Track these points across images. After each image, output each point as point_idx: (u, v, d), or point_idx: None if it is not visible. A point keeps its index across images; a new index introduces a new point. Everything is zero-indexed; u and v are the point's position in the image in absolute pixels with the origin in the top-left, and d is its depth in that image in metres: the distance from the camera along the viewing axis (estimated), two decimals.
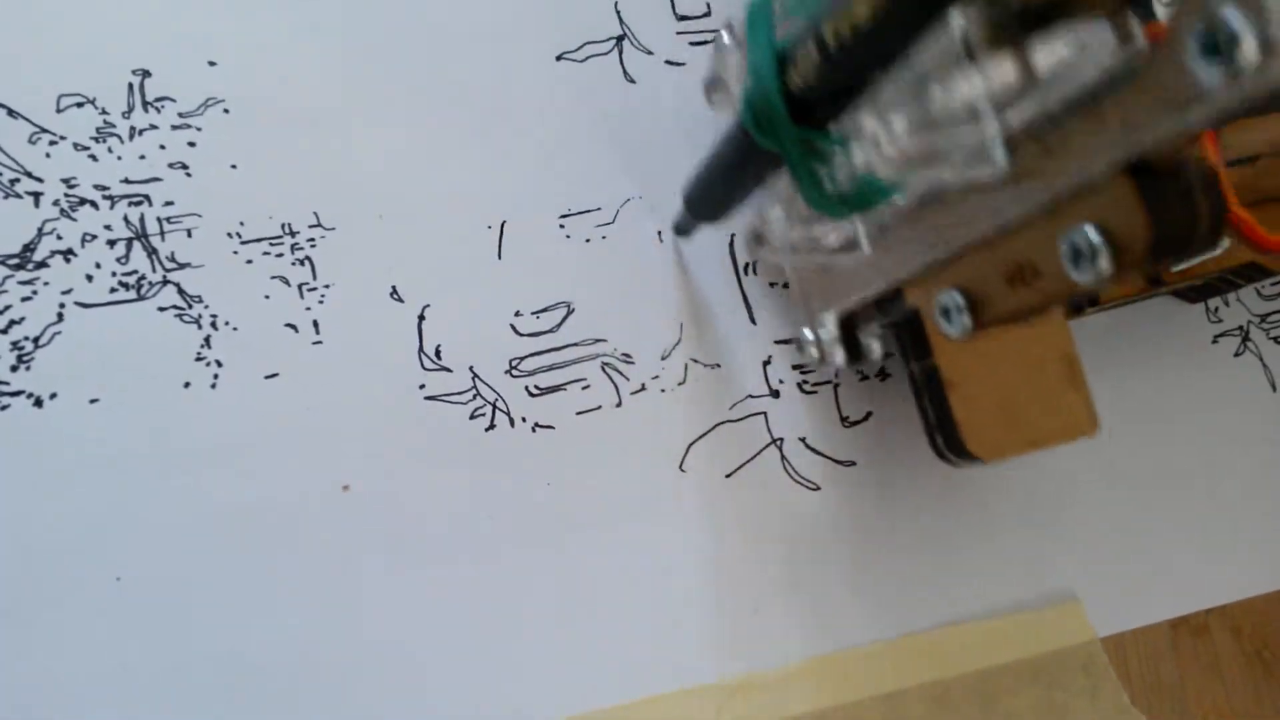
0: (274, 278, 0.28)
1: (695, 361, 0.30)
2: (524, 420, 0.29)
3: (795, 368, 0.31)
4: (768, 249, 0.26)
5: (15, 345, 0.26)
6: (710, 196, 0.25)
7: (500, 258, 0.30)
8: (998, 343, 0.27)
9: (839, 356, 0.27)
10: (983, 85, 0.16)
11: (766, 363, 0.31)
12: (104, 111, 0.28)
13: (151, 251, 0.27)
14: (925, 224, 0.21)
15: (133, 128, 0.28)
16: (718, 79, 0.24)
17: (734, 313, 0.31)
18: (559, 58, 0.31)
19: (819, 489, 0.30)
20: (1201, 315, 0.35)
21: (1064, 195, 0.17)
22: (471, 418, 0.29)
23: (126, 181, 0.28)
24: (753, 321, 0.31)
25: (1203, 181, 0.16)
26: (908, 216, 0.22)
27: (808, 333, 0.28)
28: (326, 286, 0.28)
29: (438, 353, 0.29)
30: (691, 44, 0.32)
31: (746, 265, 0.31)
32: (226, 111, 0.29)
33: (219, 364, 0.27)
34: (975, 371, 0.26)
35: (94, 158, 0.28)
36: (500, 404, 0.29)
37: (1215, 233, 0.16)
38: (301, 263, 0.28)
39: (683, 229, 0.29)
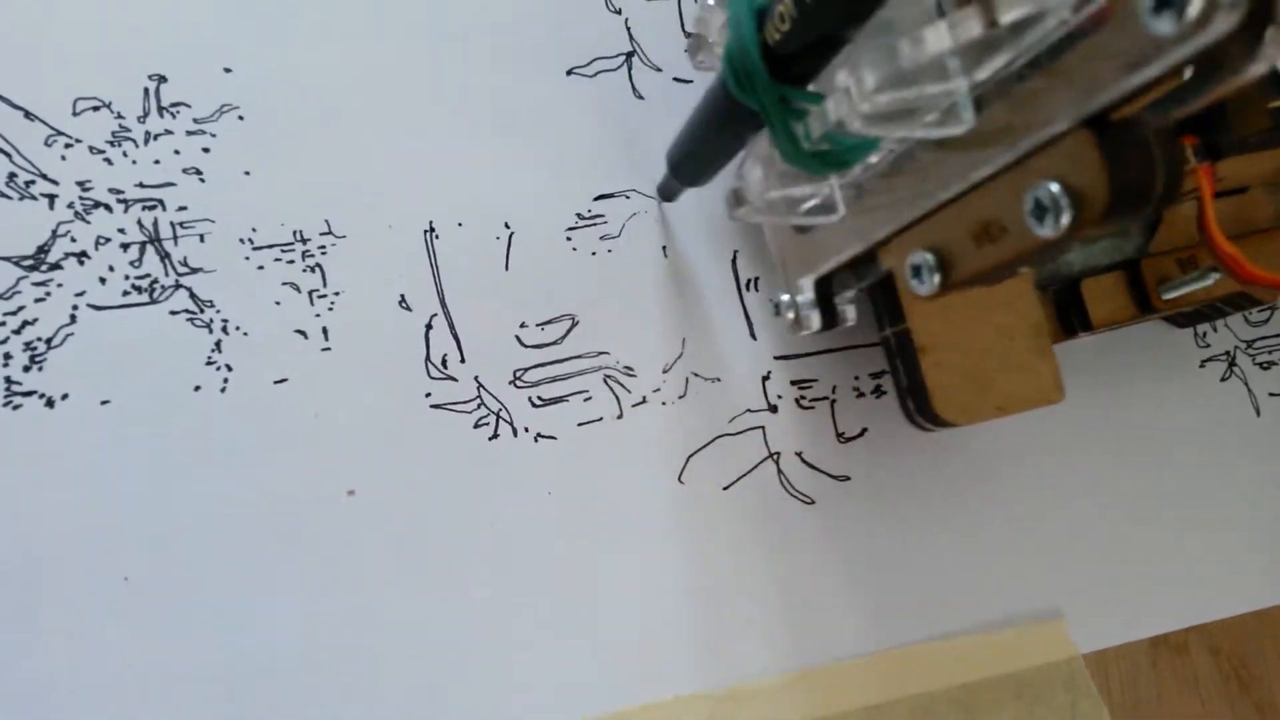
0: (285, 284, 0.28)
1: (696, 375, 0.31)
2: (526, 430, 0.29)
3: (794, 383, 0.32)
4: (746, 209, 0.25)
5: (28, 346, 0.27)
6: (694, 158, 0.25)
7: (507, 269, 0.30)
8: (969, 310, 0.27)
9: (815, 321, 0.27)
10: (950, 40, 0.16)
11: (765, 378, 0.32)
12: (120, 115, 0.28)
13: (164, 255, 0.28)
14: (900, 184, 0.21)
15: (148, 132, 0.28)
16: (700, 38, 0.24)
17: (735, 328, 0.32)
18: (569, 72, 0.32)
19: (814, 503, 0.31)
20: (1190, 340, 0.36)
21: (1027, 151, 0.17)
22: (475, 427, 0.29)
23: (141, 186, 0.28)
24: (753, 337, 0.32)
25: (1160, 135, 0.16)
26: (883, 177, 0.22)
27: (785, 297, 0.28)
28: (336, 294, 0.29)
29: (444, 362, 0.29)
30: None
31: (748, 281, 0.32)
32: (241, 118, 0.29)
33: (229, 368, 0.28)
34: (946, 337, 0.27)
35: (109, 161, 0.28)
36: (504, 414, 0.29)
37: (1173, 187, 0.16)
38: (312, 270, 0.29)
39: (667, 193, 0.29)
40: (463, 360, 0.29)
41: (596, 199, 0.31)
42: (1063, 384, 0.28)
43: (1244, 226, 0.32)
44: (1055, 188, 0.17)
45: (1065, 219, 0.17)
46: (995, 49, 0.17)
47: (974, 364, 0.27)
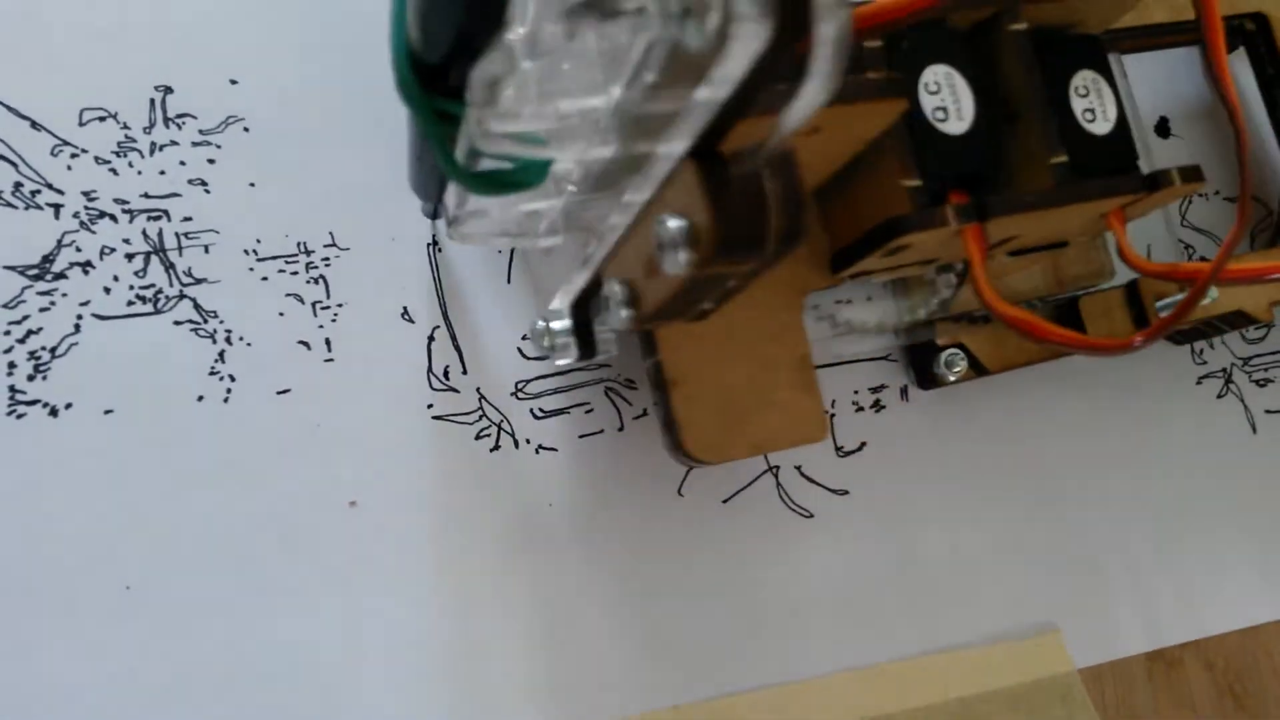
0: (288, 295, 0.29)
1: None
2: (528, 442, 0.30)
3: None
4: (459, 230, 0.23)
5: (32, 355, 0.27)
6: (417, 171, 0.23)
7: (509, 281, 0.30)
8: (728, 343, 0.25)
9: (571, 350, 0.25)
10: (566, 40, 0.15)
11: None
12: (125, 126, 0.28)
13: (169, 266, 0.28)
14: (595, 205, 0.20)
15: (153, 143, 0.28)
16: None
17: None
18: None
19: (812, 517, 0.31)
20: (1187, 357, 0.36)
21: (665, 181, 0.16)
22: (477, 438, 0.29)
23: (146, 196, 0.28)
24: None
25: (777, 170, 0.15)
26: (582, 199, 0.20)
27: (540, 323, 0.25)
28: (339, 305, 0.29)
29: (446, 373, 0.29)
30: None
31: None
32: (246, 130, 0.29)
33: (232, 379, 0.28)
34: (701, 371, 0.25)
35: (114, 172, 0.28)
36: (505, 425, 0.30)
37: (794, 230, 0.15)
38: (316, 281, 0.29)
39: (427, 210, 0.27)
40: (465, 372, 0.30)
41: None
42: (825, 421, 0.26)
43: (1070, 285, 0.30)
44: (671, 223, 0.16)
45: (685, 256, 0.15)
46: (620, 61, 0.15)
47: (730, 400, 0.25)
